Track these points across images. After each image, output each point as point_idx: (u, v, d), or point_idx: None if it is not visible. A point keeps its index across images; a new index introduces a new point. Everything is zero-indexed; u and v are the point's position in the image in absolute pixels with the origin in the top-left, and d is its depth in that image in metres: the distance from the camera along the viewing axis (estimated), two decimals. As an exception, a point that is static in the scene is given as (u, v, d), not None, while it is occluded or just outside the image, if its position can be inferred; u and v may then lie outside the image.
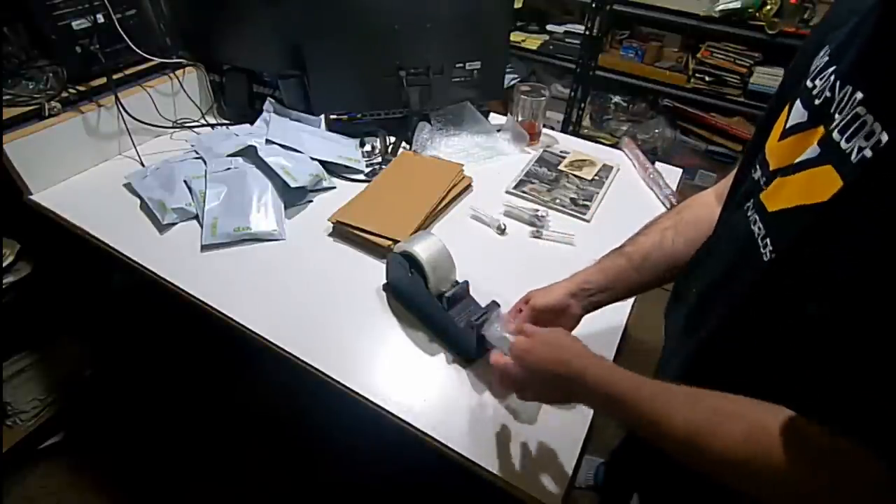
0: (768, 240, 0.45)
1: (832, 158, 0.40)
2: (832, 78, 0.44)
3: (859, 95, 0.40)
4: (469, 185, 1.15)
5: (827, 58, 0.46)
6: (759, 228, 0.46)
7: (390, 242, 0.94)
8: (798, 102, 0.48)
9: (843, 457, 0.38)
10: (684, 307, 0.62)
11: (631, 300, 0.87)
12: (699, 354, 0.54)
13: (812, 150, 0.42)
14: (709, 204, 0.69)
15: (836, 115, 0.41)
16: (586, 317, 0.76)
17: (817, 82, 0.46)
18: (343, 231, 1.00)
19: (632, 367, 0.54)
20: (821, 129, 0.44)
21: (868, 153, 0.36)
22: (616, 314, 0.85)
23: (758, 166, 0.53)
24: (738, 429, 0.43)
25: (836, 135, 0.40)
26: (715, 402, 0.46)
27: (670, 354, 0.63)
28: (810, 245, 0.40)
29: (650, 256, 0.70)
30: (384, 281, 0.91)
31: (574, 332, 0.71)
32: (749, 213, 0.49)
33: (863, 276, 0.36)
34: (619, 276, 0.71)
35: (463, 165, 1.14)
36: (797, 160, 0.44)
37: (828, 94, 0.44)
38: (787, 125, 0.49)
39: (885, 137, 0.35)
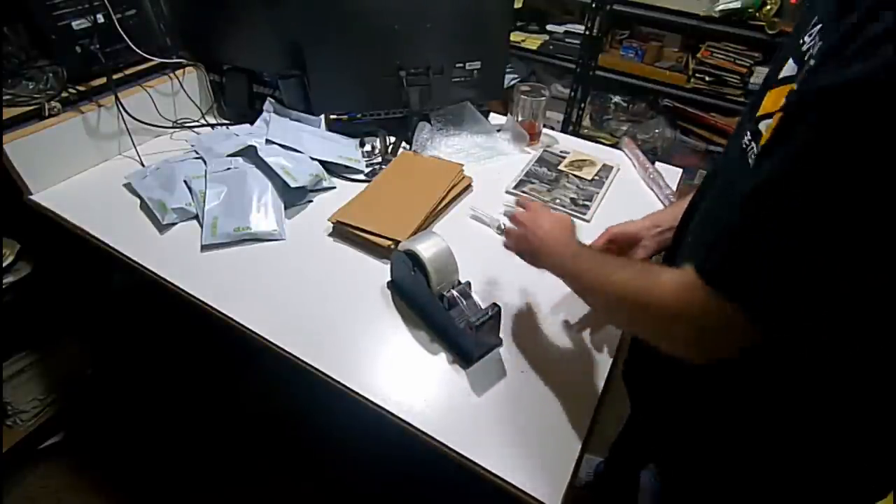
0: (754, 145, 0.50)
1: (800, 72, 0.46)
2: (816, 35, 0.47)
3: (818, 27, 0.45)
4: (469, 186, 1.15)
5: (816, 17, 0.50)
6: (748, 142, 0.51)
7: (390, 242, 0.94)
8: (791, 59, 0.52)
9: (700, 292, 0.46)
10: (681, 253, 0.67)
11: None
12: None
13: (790, 68, 0.49)
14: None
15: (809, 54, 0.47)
16: (586, 316, 0.77)
17: (807, 38, 0.49)
18: (343, 231, 1.00)
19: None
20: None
21: (812, 62, 0.42)
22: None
23: (750, 115, 0.57)
24: (630, 270, 0.57)
25: (812, 62, 0.45)
26: (617, 260, 0.61)
27: None
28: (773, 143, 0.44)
29: None
30: (385, 281, 0.91)
31: (575, 335, 0.73)
32: (748, 167, 0.52)
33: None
34: None
35: (463, 165, 1.14)
36: (779, 77, 0.50)
37: (813, 50, 0.47)
38: (780, 77, 0.53)
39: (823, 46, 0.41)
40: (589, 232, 1.04)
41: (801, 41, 0.50)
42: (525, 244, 0.76)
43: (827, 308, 0.42)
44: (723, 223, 0.46)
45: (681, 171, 1.25)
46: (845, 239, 0.38)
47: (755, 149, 0.50)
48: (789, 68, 0.51)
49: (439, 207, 1.06)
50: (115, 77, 1.15)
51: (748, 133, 0.53)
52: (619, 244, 0.84)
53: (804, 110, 0.40)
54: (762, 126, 0.50)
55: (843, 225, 0.37)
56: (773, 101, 0.51)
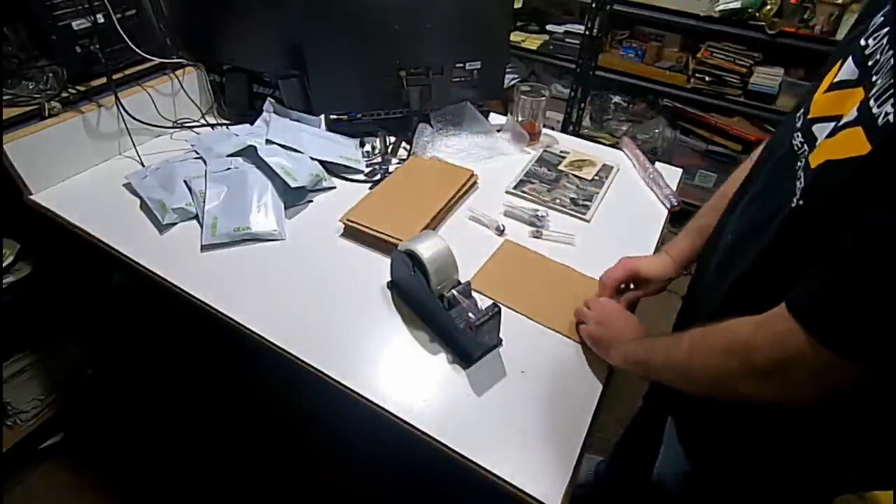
0: (806, 148, 0.50)
1: (864, 121, 0.43)
2: (885, 40, 0.45)
3: (893, 61, 0.42)
4: (475, 184, 1.15)
5: (882, 18, 0.47)
6: (801, 181, 0.50)
7: (399, 242, 0.94)
8: (850, 59, 0.50)
9: (796, 339, 0.44)
10: (720, 248, 0.67)
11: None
12: (733, 290, 0.60)
13: (852, 114, 0.45)
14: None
15: (874, 77, 0.44)
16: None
17: (870, 41, 0.47)
18: (353, 231, 1.00)
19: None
20: (861, 91, 0.46)
21: (892, 118, 0.39)
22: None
23: (801, 115, 0.56)
24: (719, 344, 0.53)
25: (871, 101, 0.43)
26: (695, 333, 0.57)
27: (706, 291, 0.69)
28: (838, 196, 0.44)
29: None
30: (384, 281, 0.91)
31: (575, 335, 0.72)
32: (797, 170, 0.52)
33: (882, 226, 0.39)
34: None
35: (475, 175, 1.14)
36: (842, 122, 0.47)
37: (878, 56, 0.45)
38: (836, 79, 0.52)
39: None
40: (589, 232, 1.04)
41: (865, 43, 0.48)
42: (599, 333, 0.77)
43: None
44: (814, 268, 0.44)
45: (680, 171, 1.25)
46: None
47: (807, 151, 0.51)
48: (848, 71, 0.49)
49: (447, 209, 1.06)
50: (115, 77, 1.15)
51: (800, 134, 0.53)
52: (636, 281, 0.85)
53: None
54: (816, 129, 0.51)
55: None
56: (832, 103, 0.50)
